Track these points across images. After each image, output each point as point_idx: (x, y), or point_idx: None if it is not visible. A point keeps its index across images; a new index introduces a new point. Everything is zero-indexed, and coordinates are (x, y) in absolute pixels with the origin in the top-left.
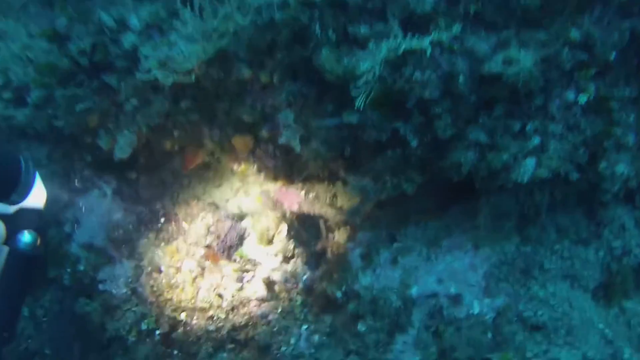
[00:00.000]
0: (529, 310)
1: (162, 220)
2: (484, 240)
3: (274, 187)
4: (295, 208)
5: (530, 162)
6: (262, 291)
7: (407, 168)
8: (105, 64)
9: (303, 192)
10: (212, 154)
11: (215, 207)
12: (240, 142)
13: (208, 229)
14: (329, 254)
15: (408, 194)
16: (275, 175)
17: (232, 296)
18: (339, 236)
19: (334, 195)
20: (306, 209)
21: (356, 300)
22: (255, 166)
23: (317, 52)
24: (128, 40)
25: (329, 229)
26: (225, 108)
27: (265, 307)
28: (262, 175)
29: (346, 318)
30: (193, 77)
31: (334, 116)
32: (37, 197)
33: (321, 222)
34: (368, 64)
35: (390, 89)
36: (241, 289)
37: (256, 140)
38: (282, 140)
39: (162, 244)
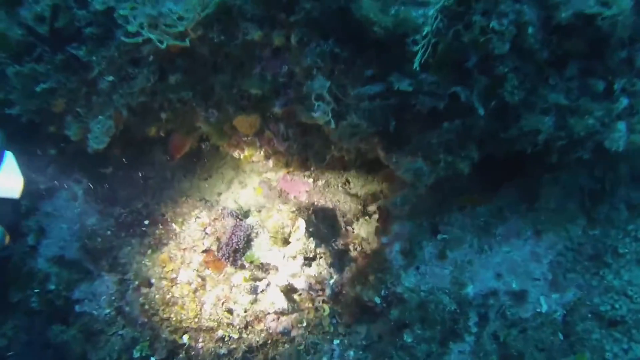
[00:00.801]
0: (605, 304)
1: (147, 222)
2: (545, 224)
3: (275, 176)
4: (303, 198)
5: (621, 126)
6: (281, 302)
7: (467, 142)
8: (71, 32)
9: (311, 180)
10: (207, 139)
11: (210, 203)
12: (244, 122)
13: (204, 230)
14: (352, 252)
15: (463, 174)
16: (287, 161)
17: (245, 311)
18: (362, 229)
19: (347, 181)
20: (317, 199)
21: (400, 306)
22: (262, 151)
23: (356, 0)
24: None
25: (347, 222)
26: (225, 81)
27: (286, 321)
28: (271, 162)
29: (388, 328)
30: (188, 40)
31: (376, 82)
32: (8, 182)
33: (338, 214)
34: (430, 10)
35: (450, 45)
36: (255, 301)
37: (264, 119)
38: (316, 114)
39: (149, 251)
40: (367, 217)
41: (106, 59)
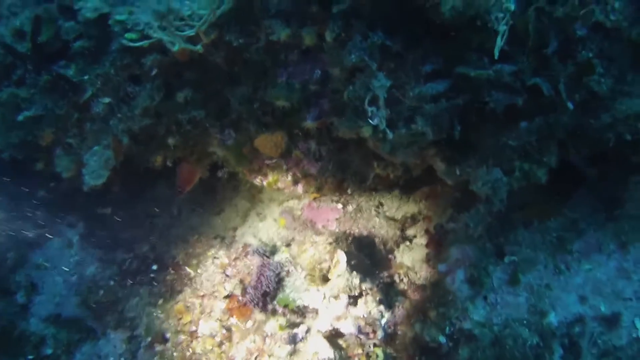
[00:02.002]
0: None
1: (155, 267)
2: (632, 234)
3: (299, 203)
4: (333, 227)
5: None
6: (325, 351)
7: (548, 144)
8: (57, 47)
9: (340, 205)
10: (222, 165)
11: (227, 240)
12: (268, 142)
13: (224, 272)
14: (399, 283)
15: (539, 183)
16: (319, 184)
17: None
18: (405, 256)
19: (380, 204)
20: (349, 226)
21: (470, 344)
22: (290, 175)
23: None
24: (89, 5)
25: (388, 249)
26: (245, 94)
27: None
28: (300, 187)
29: None
30: (200, 46)
31: (438, 79)
32: None
33: (377, 242)
34: None
35: (530, 26)
36: (294, 352)
37: (291, 137)
38: (374, 121)
39: (161, 301)
40: (408, 243)
41: (101, 78)
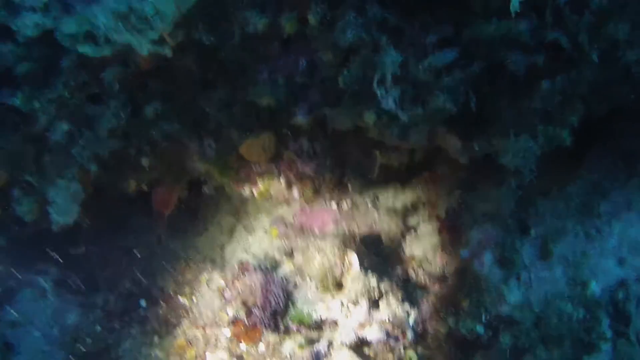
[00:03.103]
0: None
1: (143, 303)
2: None
3: (289, 210)
4: (330, 229)
5: None
6: None
7: (571, 103)
8: None
9: (334, 204)
10: (205, 180)
11: (219, 262)
12: (255, 147)
13: (223, 296)
14: (416, 278)
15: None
16: (317, 185)
17: None
18: (414, 248)
19: (375, 198)
20: (347, 225)
21: (511, 330)
22: (283, 180)
23: None
24: (28, 22)
25: (395, 243)
26: (222, 98)
27: None
28: (295, 191)
29: (500, 358)
30: (168, 49)
31: (444, 48)
32: None
33: (383, 236)
34: None
35: None
36: None
37: (280, 138)
38: (387, 105)
39: (156, 338)
40: (414, 233)
41: (54, 103)
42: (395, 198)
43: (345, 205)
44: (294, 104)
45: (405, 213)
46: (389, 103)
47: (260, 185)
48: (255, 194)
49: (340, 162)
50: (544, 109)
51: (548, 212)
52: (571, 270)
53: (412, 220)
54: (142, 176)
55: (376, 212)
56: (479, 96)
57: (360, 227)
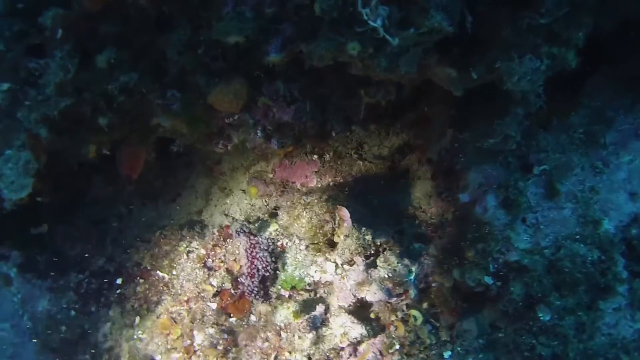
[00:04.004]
0: None
1: (119, 281)
2: None
3: (268, 165)
4: (314, 183)
5: None
6: (355, 328)
7: (579, 17)
8: None
9: (316, 156)
10: (172, 139)
11: (197, 228)
12: (225, 95)
13: (205, 266)
14: (412, 227)
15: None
16: (298, 132)
17: (309, 357)
18: (408, 195)
19: (359, 145)
20: (332, 177)
21: (522, 277)
22: (259, 131)
23: None
24: None
25: (383, 192)
26: (182, 39)
27: (370, 351)
28: (274, 142)
29: (512, 310)
30: None
31: None
32: None
33: (370, 186)
34: None
35: None
36: (318, 339)
37: (253, 82)
38: (377, 22)
39: (137, 319)
40: (403, 180)
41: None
42: (380, 145)
43: (328, 156)
44: (265, 40)
45: (393, 160)
46: (378, 22)
47: (235, 138)
48: (230, 148)
49: (322, 106)
50: (548, 27)
51: (551, 146)
52: (581, 208)
53: (401, 167)
54: (102, 138)
55: (361, 161)
56: (475, 15)
57: (345, 178)
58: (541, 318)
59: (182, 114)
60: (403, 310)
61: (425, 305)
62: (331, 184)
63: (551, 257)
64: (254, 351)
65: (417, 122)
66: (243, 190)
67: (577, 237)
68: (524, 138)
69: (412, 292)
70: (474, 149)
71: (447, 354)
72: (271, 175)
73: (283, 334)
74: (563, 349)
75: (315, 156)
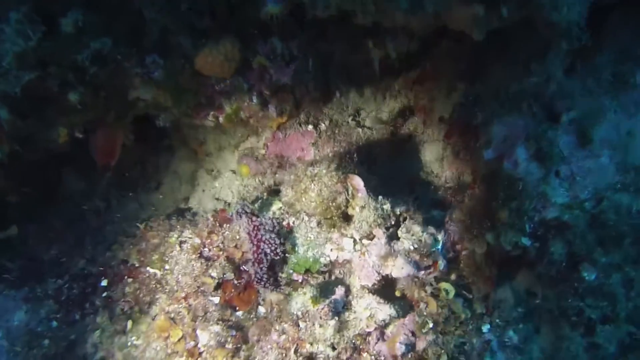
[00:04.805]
0: None
1: (104, 283)
2: None
3: (258, 141)
4: (310, 156)
5: None
6: (381, 309)
7: None
8: None
9: (311, 127)
10: (153, 113)
11: (187, 215)
12: (214, 58)
13: (201, 256)
14: (429, 192)
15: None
16: (299, 97)
17: (334, 347)
18: (416, 161)
19: (356, 112)
20: (331, 148)
21: (563, 235)
22: (255, 97)
23: None
24: None
25: (389, 159)
26: None
27: (401, 333)
28: (272, 109)
29: (553, 273)
30: None
31: None
32: None
33: (375, 153)
34: None
35: None
36: (342, 324)
37: (245, 42)
38: None
39: (130, 323)
40: (409, 145)
41: None
42: (378, 110)
43: (324, 125)
44: None
45: (395, 123)
46: None
47: (227, 107)
48: (222, 120)
49: (324, 64)
50: None
51: (577, 91)
52: (619, 154)
53: (404, 132)
54: (73, 118)
55: (360, 130)
56: None
57: (345, 148)
58: (586, 278)
59: (165, 82)
60: (432, 285)
61: (453, 276)
62: (330, 155)
63: (593, 210)
64: (269, 346)
65: (418, 81)
66: (233, 171)
67: (619, 186)
68: (548, 85)
69: (442, 263)
70: (494, 101)
71: (485, 328)
72: (263, 152)
73: (301, 324)
74: (612, 309)
75: (310, 126)
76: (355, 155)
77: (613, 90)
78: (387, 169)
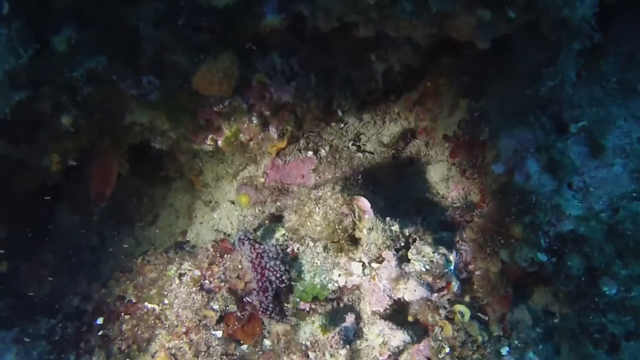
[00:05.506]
0: None
1: (99, 321)
2: None
3: (257, 169)
4: (312, 182)
5: None
6: (394, 334)
7: None
8: None
9: (310, 152)
10: (152, 139)
11: (185, 247)
12: (212, 75)
13: (201, 288)
14: (436, 215)
15: None
16: (300, 115)
17: None
18: (420, 183)
19: (356, 137)
20: (332, 173)
21: (580, 249)
22: (255, 117)
23: None
24: None
25: (394, 182)
26: (158, 9)
27: (413, 358)
28: (273, 130)
29: (571, 289)
30: None
31: None
32: None
33: (378, 176)
34: None
35: None
36: (353, 353)
37: (244, 57)
38: None
39: None
40: (411, 168)
41: None
42: (379, 134)
43: (324, 151)
44: (259, 1)
45: (397, 146)
46: None
47: (226, 129)
48: (221, 144)
49: (327, 79)
50: None
51: (584, 100)
52: (632, 162)
53: (406, 154)
54: (66, 144)
55: (361, 154)
56: None
57: (347, 174)
58: (606, 292)
59: (161, 104)
60: (445, 307)
61: (467, 298)
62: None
63: (609, 221)
64: None
65: (419, 102)
66: (232, 202)
67: (634, 194)
68: (554, 95)
69: (455, 285)
70: (499, 115)
71: (504, 351)
72: (262, 180)
73: (311, 354)
74: (636, 324)
75: (310, 152)
76: (359, 177)
77: (621, 98)
78: (391, 192)
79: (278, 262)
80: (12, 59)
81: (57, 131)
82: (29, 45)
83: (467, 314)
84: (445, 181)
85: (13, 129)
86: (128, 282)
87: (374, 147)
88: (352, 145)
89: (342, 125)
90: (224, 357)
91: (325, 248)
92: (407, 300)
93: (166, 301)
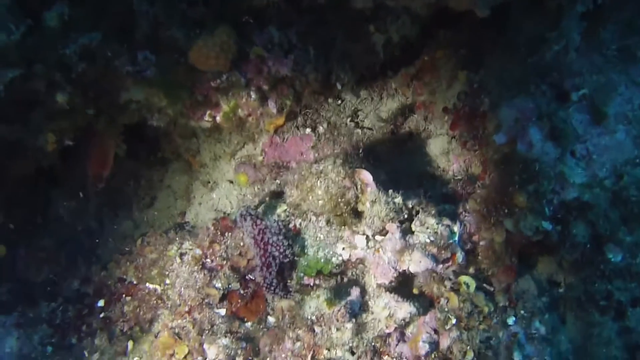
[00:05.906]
0: None
1: (100, 304)
2: None
3: (254, 147)
4: (311, 158)
5: None
6: (400, 307)
7: None
8: None
9: (309, 130)
10: (146, 116)
11: (185, 227)
12: (209, 50)
13: (203, 267)
14: (437, 187)
15: None
16: (299, 88)
17: (353, 352)
18: (421, 156)
19: (354, 113)
20: (331, 149)
21: (585, 216)
22: (253, 91)
23: None
24: None
25: (393, 155)
26: None
27: (420, 330)
28: (273, 104)
29: (577, 256)
30: None
31: None
32: None
33: (378, 151)
34: None
35: None
36: (359, 326)
37: (241, 30)
38: None
39: (131, 344)
40: (411, 142)
41: None
42: (376, 109)
43: (322, 128)
44: None
45: (395, 121)
46: None
47: (224, 105)
48: (219, 120)
49: (325, 52)
50: None
51: (585, 68)
52: (635, 128)
53: (405, 129)
54: (61, 123)
55: (359, 130)
56: None
57: (346, 150)
58: (612, 259)
59: (158, 81)
60: (451, 279)
61: (472, 269)
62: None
63: (613, 187)
64: (283, 355)
65: (417, 77)
66: (230, 181)
67: (638, 160)
68: (555, 63)
69: (460, 256)
70: (499, 85)
71: (511, 320)
72: (261, 158)
73: (317, 329)
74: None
75: (308, 129)
76: (360, 152)
77: (621, 65)
78: (392, 166)
79: (281, 237)
80: (3, 35)
81: (53, 110)
82: (20, 21)
83: (473, 285)
84: (445, 154)
85: (7, 109)
86: (128, 263)
87: (373, 123)
88: (350, 121)
89: (339, 102)
90: (229, 334)
91: (328, 222)
92: (412, 272)
93: (168, 281)
